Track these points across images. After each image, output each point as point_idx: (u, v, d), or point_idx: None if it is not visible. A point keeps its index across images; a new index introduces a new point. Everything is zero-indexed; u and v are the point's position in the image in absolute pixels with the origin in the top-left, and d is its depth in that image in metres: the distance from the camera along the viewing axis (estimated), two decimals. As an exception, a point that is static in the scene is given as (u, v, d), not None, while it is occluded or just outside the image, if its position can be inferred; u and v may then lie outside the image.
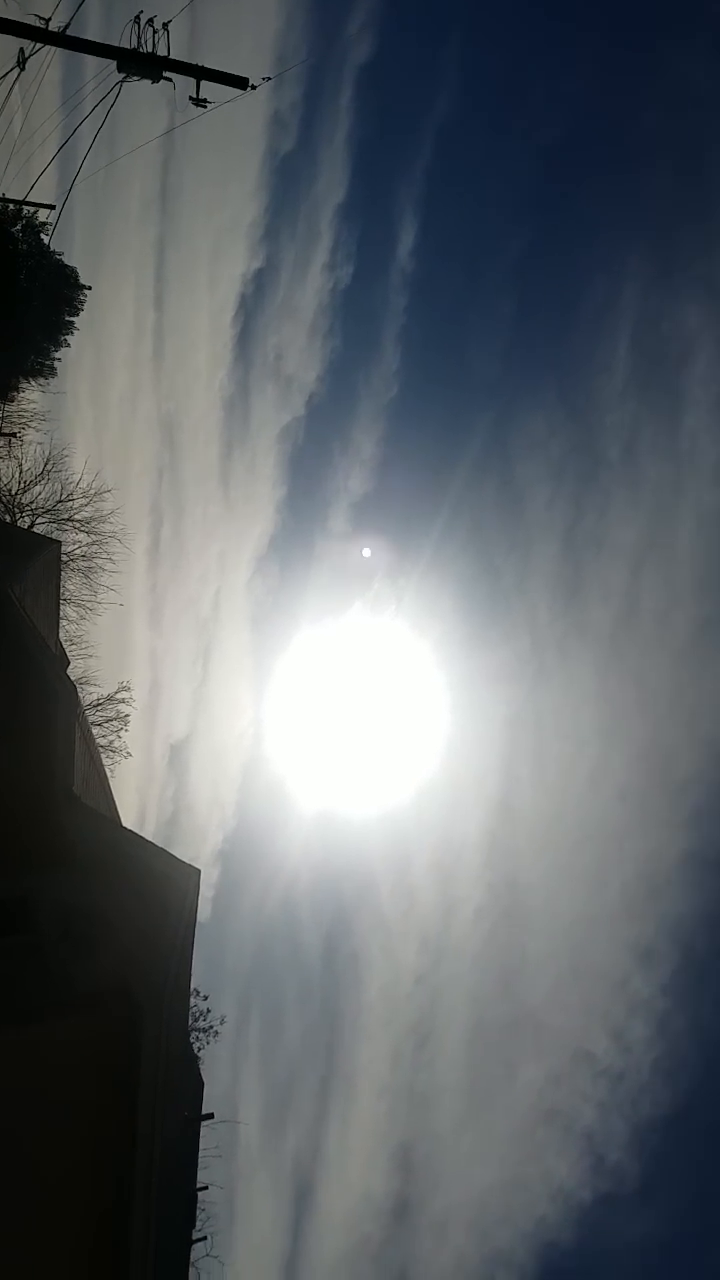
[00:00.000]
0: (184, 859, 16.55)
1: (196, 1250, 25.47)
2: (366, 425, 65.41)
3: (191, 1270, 24.74)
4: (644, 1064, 47.95)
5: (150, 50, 18.78)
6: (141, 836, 17.18)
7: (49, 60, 22.04)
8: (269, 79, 19.32)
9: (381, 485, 65.97)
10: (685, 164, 50.55)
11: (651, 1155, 47.05)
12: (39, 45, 19.84)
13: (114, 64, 19.24)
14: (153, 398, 64.14)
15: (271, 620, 72.30)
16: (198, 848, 59.16)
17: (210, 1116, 19.85)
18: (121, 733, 46.18)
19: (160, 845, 17.10)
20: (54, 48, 19.82)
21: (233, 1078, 49.22)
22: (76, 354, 49.24)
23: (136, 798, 54.47)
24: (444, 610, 64.09)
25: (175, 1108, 17.85)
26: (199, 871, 16.12)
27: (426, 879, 63.29)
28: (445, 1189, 53.18)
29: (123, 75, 19.19)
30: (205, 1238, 25.08)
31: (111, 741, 45.37)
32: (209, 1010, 33.30)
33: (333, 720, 71.07)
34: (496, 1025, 56.16)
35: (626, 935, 50.56)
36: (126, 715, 46.39)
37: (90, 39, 19.59)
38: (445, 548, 62.63)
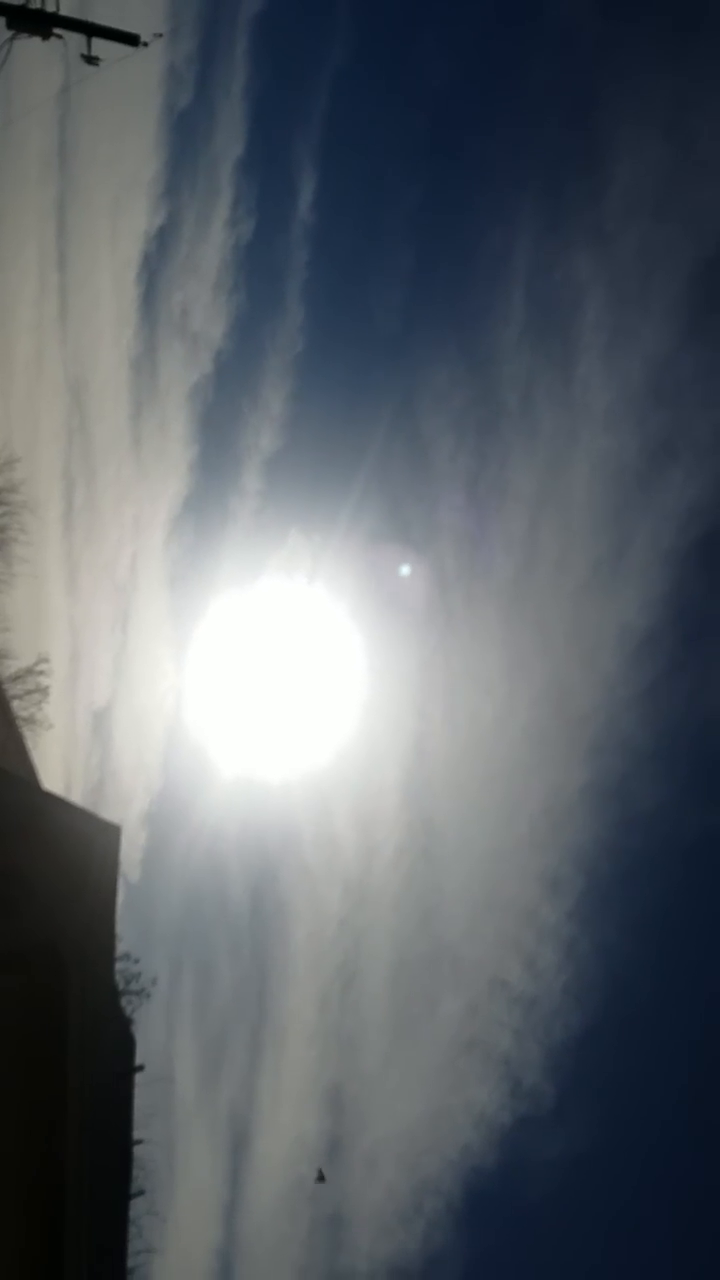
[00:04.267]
0: (105, 817, 16.73)
1: (138, 1208, 25.87)
2: (275, 381, 65.47)
3: (133, 1228, 25.13)
4: (555, 988, 50.42)
5: (40, 6, 18.58)
6: (60, 796, 17.32)
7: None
8: (160, 35, 19.26)
9: (292, 441, 66.43)
10: (572, 114, 51.75)
11: (564, 1075, 49.44)
12: None
13: (3, 21, 19.00)
14: (59, 360, 63.32)
15: (189, 581, 72.47)
16: (125, 812, 59.42)
17: (141, 1068, 20.15)
18: (42, 705, 45.92)
19: (81, 805, 17.25)
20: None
21: (167, 1037, 50.01)
22: (-23, 321, 48.40)
23: (62, 767, 54.36)
24: (357, 562, 65.08)
25: (105, 1063, 18.09)
26: (119, 827, 16.33)
27: (347, 825, 64.71)
28: (374, 1125, 54.95)
29: (12, 33, 18.96)
30: (143, 1192, 25.49)
31: (33, 714, 45.09)
32: (140, 974, 33.56)
33: (253, 676, 71.60)
34: (417, 961, 58.03)
35: (535, 866, 52.86)
36: (46, 687, 46.11)
37: (-23, -4, 19.29)
38: (355, 501, 63.54)
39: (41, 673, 46.23)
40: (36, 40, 18.87)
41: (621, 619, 50.18)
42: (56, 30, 18.71)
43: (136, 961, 33.47)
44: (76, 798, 52.00)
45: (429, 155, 58.80)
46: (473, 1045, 52.47)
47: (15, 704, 40.88)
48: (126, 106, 56.09)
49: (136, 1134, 22.29)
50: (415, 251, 60.83)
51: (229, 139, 61.48)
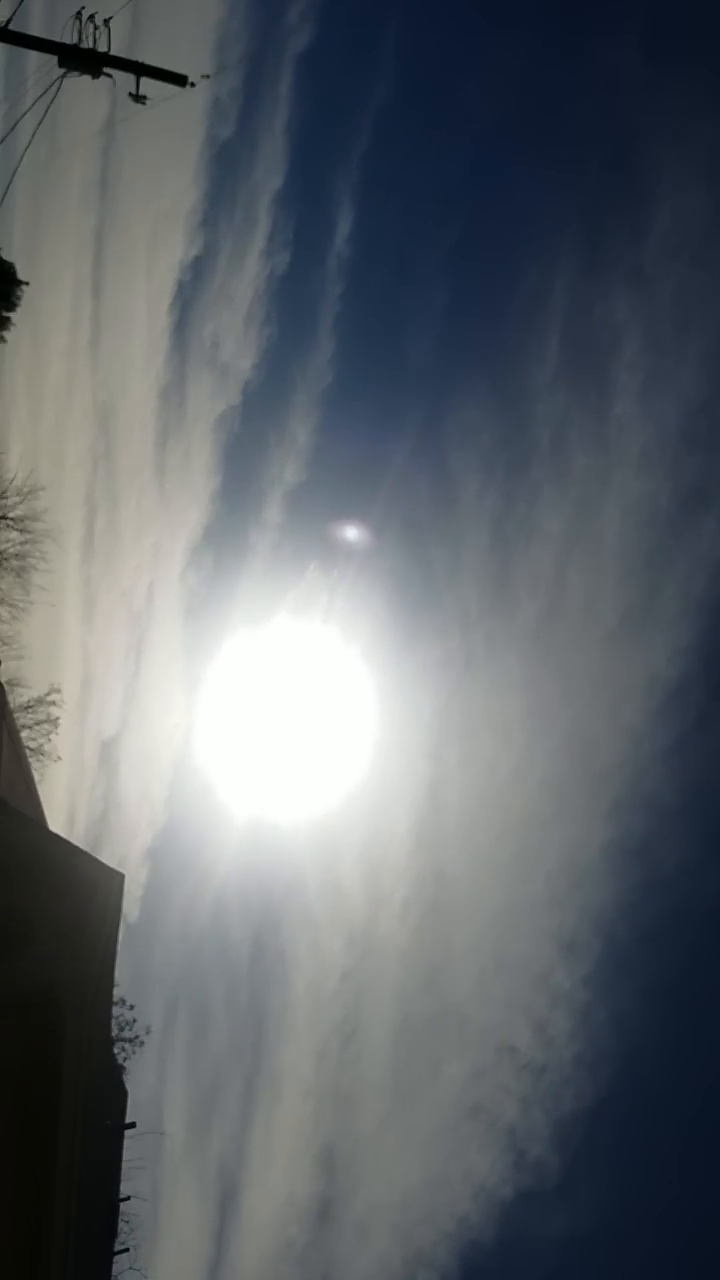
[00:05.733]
0: (110, 862, 16.35)
1: (120, 1263, 25.06)
2: (301, 414, 65.62)
3: (115, 1284, 24.31)
4: (566, 1057, 48.15)
5: (91, 46, 18.59)
6: (67, 840, 16.95)
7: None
8: (207, 77, 19.24)
9: (315, 475, 66.22)
10: (615, 155, 51.42)
11: (572, 1149, 47.22)
12: (-20, 40, 19.57)
13: (55, 59, 19.03)
14: (89, 386, 63.57)
15: (204, 612, 71.87)
16: (128, 846, 58.47)
17: (132, 1125, 19.57)
18: (51, 735, 45.57)
19: (87, 847, 16.87)
20: (-5, 42, 19.57)
21: (158, 1081, 48.62)
22: (13, 344, 48.60)
23: (67, 796, 53.72)
24: (376, 601, 64.20)
25: (97, 1117, 17.57)
26: (123, 876, 15.93)
27: (354, 873, 63.16)
28: (368, 1189, 52.96)
29: (63, 71, 18.98)
30: (127, 1249, 24.74)
31: (41, 745, 44.72)
32: (135, 1020, 32.92)
33: (264, 714, 70.83)
34: (421, 1020, 56.07)
35: (549, 926, 50.82)
36: (56, 718, 45.77)
37: (32, 34, 19.41)
38: (377, 537, 62.84)
39: (53, 703, 45.98)
40: (86, 78, 18.94)
41: (650, 669, 48.60)
42: (106, 70, 18.76)
43: (131, 1007, 32.85)
44: (80, 827, 51.36)
45: (468, 194, 58.84)
46: (476, 1112, 50.46)
47: (25, 734, 40.56)
48: (169, 138, 56.72)
49: (124, 1189, 21.65)
50: (450, 288, 60.77)
51: (269, 172, 62.11)
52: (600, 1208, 46.24)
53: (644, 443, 49.82)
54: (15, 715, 41.05)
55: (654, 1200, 45.93)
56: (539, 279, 56.34)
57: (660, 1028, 47.96)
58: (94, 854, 17.07)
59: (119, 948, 17.75)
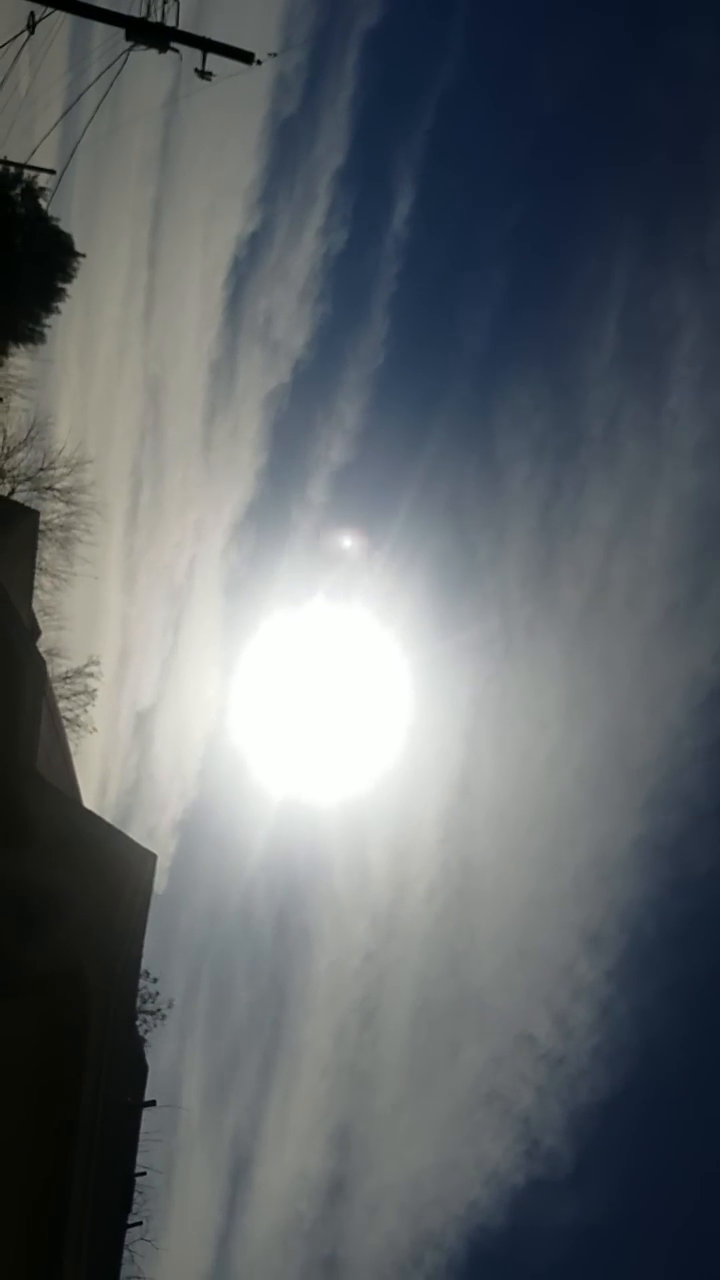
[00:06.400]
0: (140, 832, 16.32)
1: (131, 1234, 25.24)
2: (351, 394, 64.80)
3: (125, 1254, 24.52)
4: (584, 1049, 47.94)
5: (159, 20, 18.44)
6: (101, 817, 16.98)
7: (59, 25, 21.65)
8: (274, 55, 19.06)
9: (363, 456, 65.45)
10: (683, 142, 50.01)
11: (586, 1141, 47.13)
12: (50, 10, 19.45)
13: (123, 32, 18.90)
14: (140, 359, 63.36)
15: (244, 590, 71.53)
16: (158, 817, 58.66)
17: (152, 1104, 19.66)
18: (88, 707, 45.79)
19: (119, 817, 16.87)
20: (64, 13, 19.46)
21: (178, 1051, 48.95)
22: (67, 315, 48.53)
23: (100, 764, 54.00)
24: (416, 585, 63.51)
25: (118, 1094, 17.66)
26: (155, 856, 15.94)
27: (382, 856, 63.04)
28: (380, 1169, 53.09)
29: (130, 44, 18.85)
30: (140, 1222, 24.91)
31: (78, 716, 44.96)
32: (158, 993, 33.11)
33: (298, 694, 70.66)
34: (442, 1005, 55.99)
35: (575, 919, 50.47)
36: (94, 690, 45.98)
37: (100, 6, 19.27)
38: (422, 521, 62.13)
39: (90, 674, 46.18)
40: (152, 51, 18.79)
41: (693, 666, 47.59)
42: (173, 44, 18.60)
43: (155, 980, 33.01)
44: (113, 797, 51.70)
45: (531, 177, 57.66)
46: (492, 1098, 50.46)
47: (62, 705, 40.76)
48: (231, 112, 56.20)
49: (139, 1162, 21.76)
50: (509, 272, 59.60)
51: (330, 149, 61.25)
52: (611, 1200, 46.29)
53: (700, 435, 48.76)
54: (54, 685, 41.30)
55: (666, 1197, 45.89)
56: (599, 265, 55.28)
57: (682, 1026, 47.71)
58: (125, 827, 17.09)
59: (147, 923, 17.79)
